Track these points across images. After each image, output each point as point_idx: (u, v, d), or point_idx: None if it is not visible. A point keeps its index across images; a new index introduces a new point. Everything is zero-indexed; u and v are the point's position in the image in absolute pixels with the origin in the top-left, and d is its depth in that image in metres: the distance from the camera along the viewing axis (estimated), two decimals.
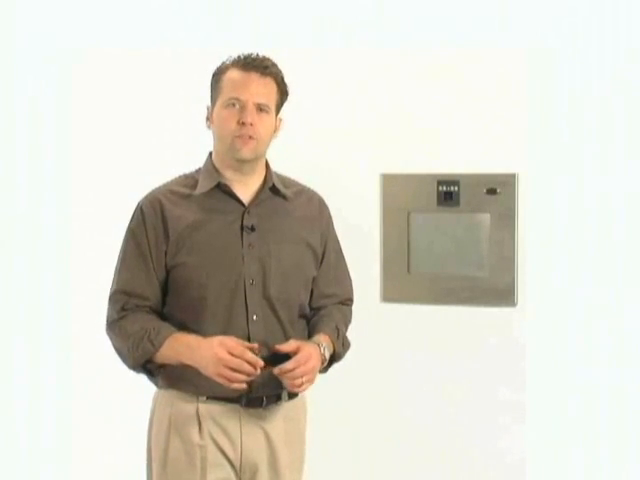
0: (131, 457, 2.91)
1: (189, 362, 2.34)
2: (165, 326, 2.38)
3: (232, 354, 2.28)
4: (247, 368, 2.27)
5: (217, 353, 2.28)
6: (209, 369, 2.30)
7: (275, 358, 2.35)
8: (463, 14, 3.06)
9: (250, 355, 2.28)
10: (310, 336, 2.47)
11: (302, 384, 2.34)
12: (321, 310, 2.54)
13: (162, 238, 2.39)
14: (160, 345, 2.35)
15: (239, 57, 2.41)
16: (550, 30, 2.83)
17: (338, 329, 2.50)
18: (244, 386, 2.29)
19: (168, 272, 2.40)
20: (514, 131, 3.08)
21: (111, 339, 2.44)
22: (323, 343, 2.42)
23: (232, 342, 2.30)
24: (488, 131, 3.13)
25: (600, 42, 2.71)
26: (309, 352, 2.35)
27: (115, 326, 2.41)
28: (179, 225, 2.39)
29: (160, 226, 2.40)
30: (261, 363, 2.29)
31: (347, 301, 2.64)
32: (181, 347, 2.35)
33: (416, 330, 3.23)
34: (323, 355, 2.41)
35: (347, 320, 2.60)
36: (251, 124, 2.36)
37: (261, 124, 2.38)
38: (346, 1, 3.17)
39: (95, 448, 3.48)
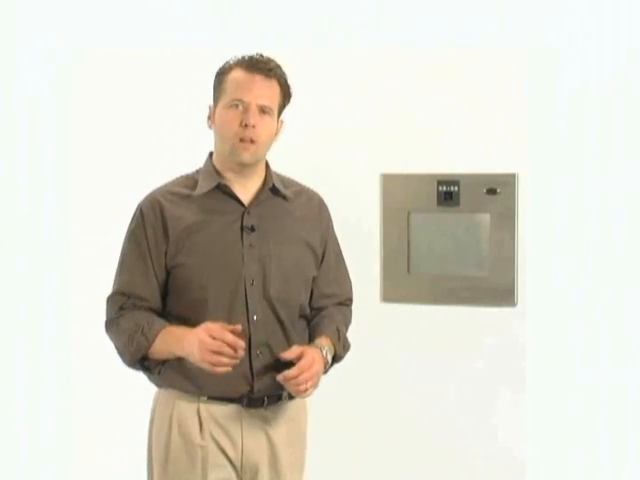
0: (131, 457, 2.91)
1: (180, 353, 2.32)
2: (158, 320, 2.38)
3: (213, 337, 2.24)
4: (227, 350, 2.23)
5: (200, 338, 2.25)
6: (196, 356, 2.27)
7: (278, 362, 2.35)
8: (463, 14, 3.06)
9: (230, 337, 2.24)
10: (311, 337, 2.48)
11: (307, 390, 2.33)
12: (321, 311, 2.54)
13: (162, 239, 2.39)
14: (153, 338, 2.34)
15: (243, 57, 2.40)
16: (550, 30, 2.83)
17: (339, 330, 2.50)
18: (229, 369, 2.25)
19: (168, 273, 2.40)
20: (514, 131, 3.08)
21: (110, 338, 2.44)
22: (325, 346, 2.42)
23: (214, 325, 2.27)
24: (488, 131, 3.13)
25: (600, 42, 2.70)
26: (312, 357, 2.34)
27: (112, 324, 2.42)
28: (179, 226, 2.39)
29: (160, 227, 2.39)
30: (242, 344, 2.24)
31: (347, 301, 2.64)
32: (172, 339, 2.34)
33: (416, 330, 3.23)
34: (325, 358, 2.40)
35: (347, 321, 2.60)
36: (253, 126, 2.35)
37: (263, 126, 2.37)
38: (346, 1, 3.17)
39: (95, 448, 3.48)
